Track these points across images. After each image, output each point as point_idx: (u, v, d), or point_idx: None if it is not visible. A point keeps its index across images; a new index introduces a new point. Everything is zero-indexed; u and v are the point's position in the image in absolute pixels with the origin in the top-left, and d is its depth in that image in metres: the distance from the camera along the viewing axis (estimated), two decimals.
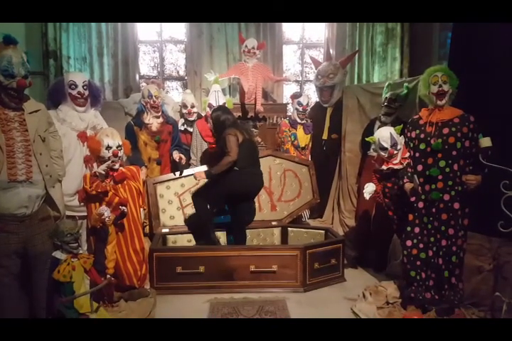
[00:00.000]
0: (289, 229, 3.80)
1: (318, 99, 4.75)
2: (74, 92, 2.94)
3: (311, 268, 3.10)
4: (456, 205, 2.53)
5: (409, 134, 2.72)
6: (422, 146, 2.60)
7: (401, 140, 2.84)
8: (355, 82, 5.02)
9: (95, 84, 3.26)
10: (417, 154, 2.65)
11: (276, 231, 3.80)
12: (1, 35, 1.99)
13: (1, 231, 1.98)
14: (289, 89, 5.34)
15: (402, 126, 2.95)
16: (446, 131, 2.55)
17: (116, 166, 2.65)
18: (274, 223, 3.83)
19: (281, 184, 3.93)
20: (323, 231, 3.68)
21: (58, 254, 2.06)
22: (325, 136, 4.65)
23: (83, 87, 2.96)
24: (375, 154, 3.78)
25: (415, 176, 2.53)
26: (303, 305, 2.85)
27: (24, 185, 2.00)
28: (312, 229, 3.79)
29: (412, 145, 2.69)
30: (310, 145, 4.42)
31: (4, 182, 1.95)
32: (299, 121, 4.27)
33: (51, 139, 2.27)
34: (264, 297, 2.95)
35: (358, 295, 2.95)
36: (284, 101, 5.08)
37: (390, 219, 3.00)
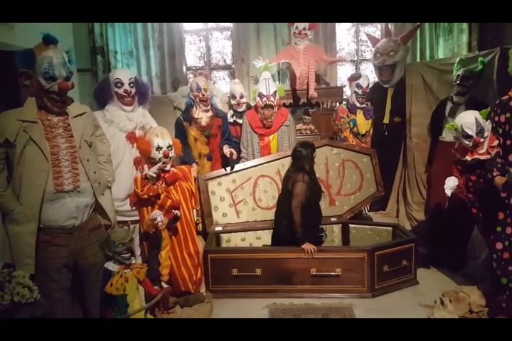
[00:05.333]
0: (350, 225, 3.51)
1: (376, 80, 4.35)
2: (120, 91, 2.81)
3: (380, 271, 2.83)
4: None
5: (497, 118, 2.38)
6: None
7: (488, 125, 2.42)
8: (418, 59, 4.60)
9: (142, 80, 3.12)
10: (509, 141, 2.33)
11: (337, 229, 3.53)
12: (41, 35, 1.88)
13: (50, 244, 1.91)
14: (343, 71, 4.97)
15: (488, 109, 2.52)
16: None
17: (168, 167, 2.50)
18: (333, 219, 3.55)
19: (340, 176, 3.63)
20: (390, 228, 3.35)
21: (110, 266, 1.97)
22: (386, 120, 4.30)
23: (129, 84, 2.83)
24: (448, 139, 3.39)
25: (511, 169, 2.16)
26: (372, 313, 2.60)
27: (72, 194, 1.91)
28: (377, 226, 3.46)
29: (501, 131, 2.36)
30: (371, 132, 4.05)
31: (51, 193, 1.86)
32: (358, 105, 3.92)
33: (98, 143, 2.16)
34: (328, 303, 2.73)
35: (434, 301, 2.67)
36: (339, 84, 4.71)
37: (473, 218, 2.63)
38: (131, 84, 2.84)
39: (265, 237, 3.40)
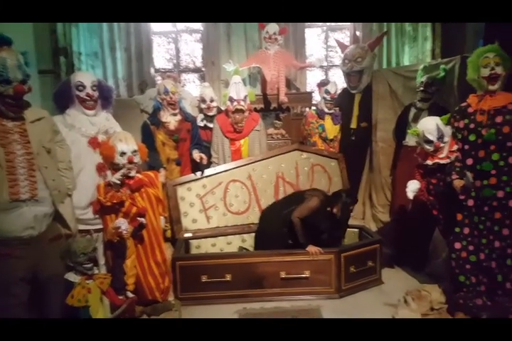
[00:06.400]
0: None
1: (345, 85, 4.43)
2: (82, 94, 2.71)
3: (347, 272, 2.88)
4: None
5: (456, 124, 2.48)
6: (472, 138, 2.38)
7: (449, 131, 2.53)
8: (384, 66, 4.69)
9: (106, 83, 3.03)
10: (467, 146, 2.42)
11: None
12: None
13: (7, 256, 1.80)
14: (312, 76, 5.04)
15: (449, 115, 2.63)
16: (499, 119, 2.31)
17: (132, 173, 2.44)
18: None
19: (310, 180, 3.67)
20: (356, 230, 3.42)
21: (71, 277, 1.90)
22: (353, 125, 4.35)
23: (92, 87, 2.74)
24: (411, 144, 3.50)
25: (468, 173, 2.26)
26: (339, 314, 2.63)
27: (29, 203, 1.82)
28: None
29: (460, 136, 2.46)
30: (339, 137, 4.12)
31: (6, 202, 1.76)
32: (326, 110, 3.99)
33: (58, 149, 2.07)
34: (297, 305, 2.75)
35: (398, 300, 2.72)
36: (308, 89, 4.77)
37: (434, 219, 2.74)
38: (94, 88, 2.75)
39: (236, 242, 3.39)
